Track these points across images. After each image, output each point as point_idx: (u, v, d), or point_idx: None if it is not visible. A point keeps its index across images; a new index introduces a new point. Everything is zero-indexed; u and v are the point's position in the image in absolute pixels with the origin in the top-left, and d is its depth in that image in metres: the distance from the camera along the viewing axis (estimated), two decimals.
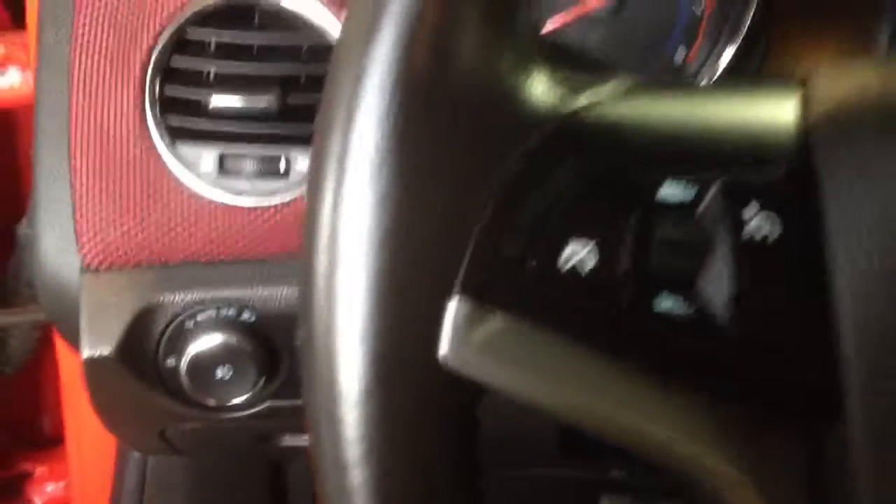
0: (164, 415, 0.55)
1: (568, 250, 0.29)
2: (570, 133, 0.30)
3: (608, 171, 0.29)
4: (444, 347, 0.28)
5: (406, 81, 0.27)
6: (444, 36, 0.28)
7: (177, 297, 0.51)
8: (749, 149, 0.30)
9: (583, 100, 0.30)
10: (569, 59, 0.32)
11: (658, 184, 0.29)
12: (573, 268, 0.29)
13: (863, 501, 0.28)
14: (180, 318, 0.51)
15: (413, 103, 0.27)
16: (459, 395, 0.29)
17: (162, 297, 0.51)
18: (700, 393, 0.29)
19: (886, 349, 0.28)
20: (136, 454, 0.79)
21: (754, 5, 0.57)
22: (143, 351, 0.51)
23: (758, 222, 0.29)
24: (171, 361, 0.52)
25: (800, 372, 0.29)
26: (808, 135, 0.30)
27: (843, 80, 0.32)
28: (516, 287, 0.29)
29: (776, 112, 0.31)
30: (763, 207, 0.29)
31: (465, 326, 0.28)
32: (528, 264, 0.29)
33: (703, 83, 0.59)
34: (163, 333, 0.51)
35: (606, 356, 0.29)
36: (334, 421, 0.27)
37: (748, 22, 0.57)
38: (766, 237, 0.29)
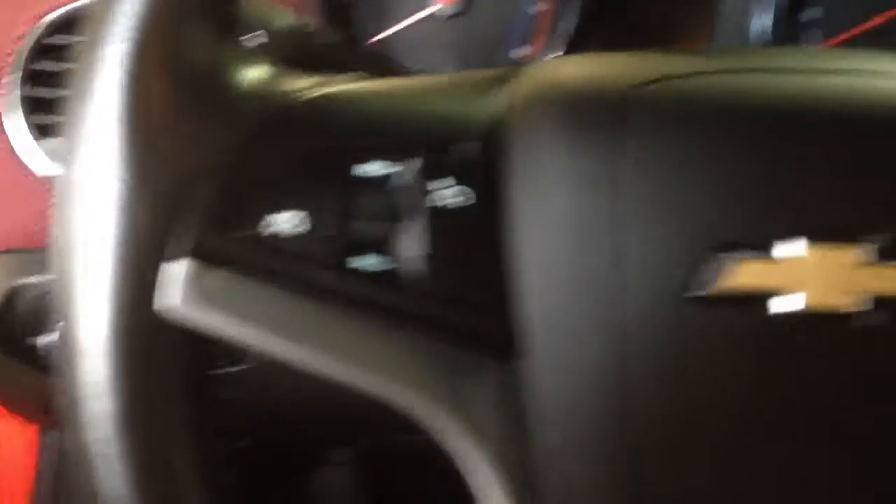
0: (42, 390, 0.60)
1: (283, 218, 0.34)
2: (284, 118, 0.35)
3: (317, 150, 0.35)
4: (172, 301, 0.33)
5: (131, 78, 0.32)
6: (170, 39, 0.33)
7: (40, 279, 0.56)
8: (449, 130, 0.35)
9: (299, 91, 0.35)
10: (297, 59, 0.37)
11: (363, 160, 0.34)
12: (287, 233, 0.34)
13: (541, 422, 0.34)
14: (45, 298, 0.56)
15: (137, 93, 0.32)
16: (188, 343, 0.34)
17: (27, 280, 0.56)
18: (405, 339, 0.34)
19: (556, 301, 0.33)
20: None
21: (578, 13, 0.62)
22: (11, 331, 0.56)
23: (451, 192, 0.34)
24: (39, 339, 0.57)
25: (488, 318, 0.34)
26: (504, 120, 0.35)
27: (549, 72, 0.37)
28: (236, 250, 0.34)
29: (480, 99, 0.36)
30: (458, 180, 0.35)
31: (191, 283, 0.33)
32: (247, 231, 0.34)
33: None
34: (29, 313, 0.56)
35: (321, 307, 0.34)
36: (74, 366, 0.33)
37: (573, 27, 0.62)
38: (457, 205, 0.34)
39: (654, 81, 0.34)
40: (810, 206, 0.31)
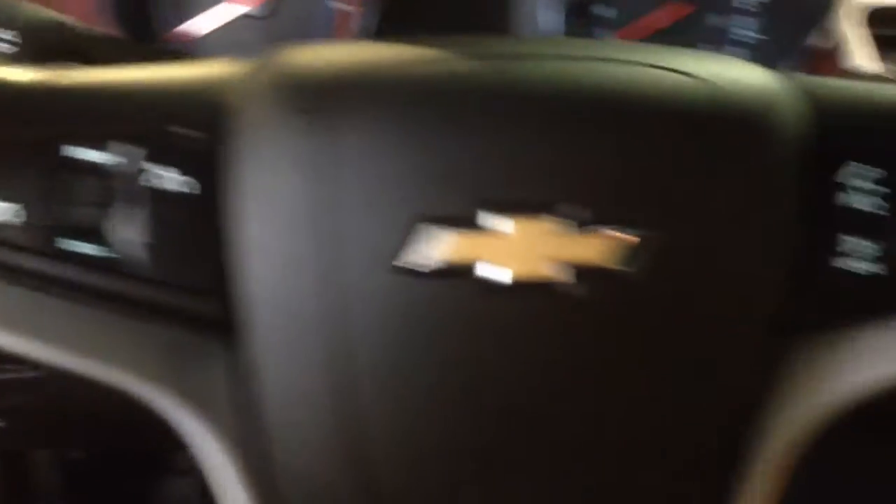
0: None
1: None
2: (12, 105, 0.34)
3: (28, 139, 0.34)
4: None
5: None
6: None
7: None
8: (174, 117, 0.35)
9: (17, 81, 0.35)
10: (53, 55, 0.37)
11: (80, 147, 0.34)
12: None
13: (269, 403, 0.34)
14: None
15: None
16: None
17: None
18: (123, 323, 0.34)
19: (276, 282, 0.34)
20: None
21: (380, 10, 0.62)
22: None
23: (173, 179, 0.34)
24: None
25: (211, 302, 0.34)
26: (231, 108, 0.35)
27: (281, 62, 0.37)
28: None
29: (213, 87, 0.36)
30: (181, 167, 0.34)
31: None
32: None
33: None
34: None
35: (35, 295, 0.34)
36: None
37: (375, 24, 0.62)
38: (179, 192, 0.34)
39: (382, 69, 0.35)
40: (512, 181, 0.32)
